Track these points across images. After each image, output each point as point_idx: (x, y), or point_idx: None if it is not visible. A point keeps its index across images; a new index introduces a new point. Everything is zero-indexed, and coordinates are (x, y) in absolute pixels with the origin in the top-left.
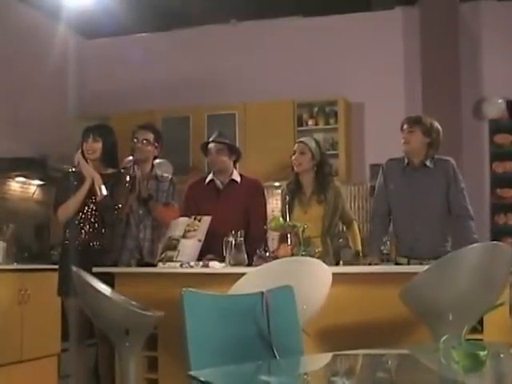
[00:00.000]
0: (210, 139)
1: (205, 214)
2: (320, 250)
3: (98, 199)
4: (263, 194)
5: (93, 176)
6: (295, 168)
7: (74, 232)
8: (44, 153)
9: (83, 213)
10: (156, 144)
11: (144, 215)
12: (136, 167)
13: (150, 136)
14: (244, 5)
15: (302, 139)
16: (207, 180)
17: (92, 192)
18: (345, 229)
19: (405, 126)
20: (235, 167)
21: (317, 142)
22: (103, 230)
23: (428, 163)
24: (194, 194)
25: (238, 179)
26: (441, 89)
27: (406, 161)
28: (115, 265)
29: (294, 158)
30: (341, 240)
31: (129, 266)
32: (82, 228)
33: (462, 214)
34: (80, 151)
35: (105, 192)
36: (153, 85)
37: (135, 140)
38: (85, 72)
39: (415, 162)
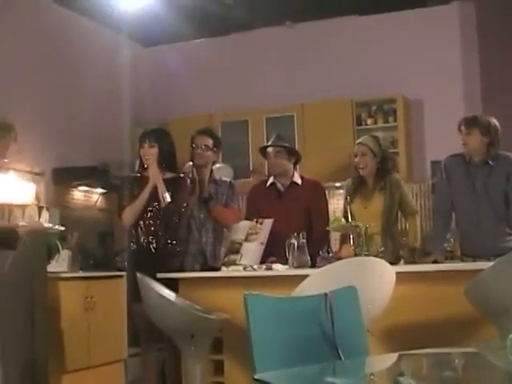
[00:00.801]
0: (269, 143)
1: (266, 217)
2: (383, 249)
3: (161, 205)
4: (325, 195)
5: (157, 181)
6: (360, 171)
7: (139, 238)
8: (104, 161)
9: (148, 218)
10: (215, 149)
11: (205, 219)
12: (195, 171)
13: (209, 141)
14: (299, 6)
15: (360, 140)
16: (268, 183)
17: (156, 197)
18: (404, 222)
19: (462, 128)
20: (295, 169)
21: (375, 139)
22: (167, 236)
23: (490, 161)
24: (255, 196)
25: (299, 181)
26: (500, 84)
27: (467, 158)
28: (180, 269)
29: (356, 160)
30: (404, 239)
31: (193, 270)
32: (147, 234)
33: None
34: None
35: (168, 199)
36: (210, 89)
37: (194, 145)
38: (142, 79)
39: (476, 160)
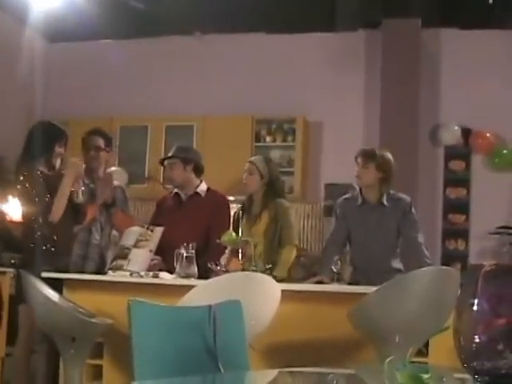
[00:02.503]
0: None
1: (165, 225)
2: (270, 265)
3: (76, 202)
4: (228, 209)
5: (79, 178)
6: (244, 188)
7: (34, 236)
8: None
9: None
10: (107, 149)
11: (105, 223)
12: (94, 175)
13: (101, 142)
14: (209, 18)
15: (251, 159)
16: (173, 193)
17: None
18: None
19: (359, 160)
20: (200, 180)
21: (267, 161)
22: (67, 236)
23: (385, 201)
24: (160, 206)
25: (203, 193)
26: (399, 113)
27: (361, 199)
28: (80, 271)
29: (243, 177)
30: (302, 258)
31: (91, 273)
32: (46, 232)
33: (413, 242)
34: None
35: (82, 197)
36: (112, 92)
37: (86, 148)
38: (48, 75)
39: (371, 200)
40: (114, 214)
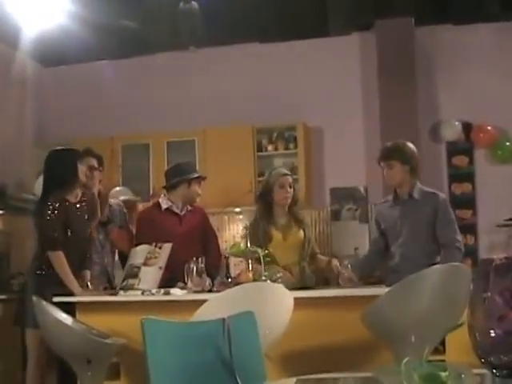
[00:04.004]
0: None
1: (167, 240)
2: (281, 274)
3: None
4: None
5: None
6: (284, 202)
7: (45, 261)
8: (2, 181)
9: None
10: (100, 168)
11: (104, 241)
12: (92, 194)
13: (94, 161)
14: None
15: (286, 172)
16: (164, 207)
17: (73, 219)
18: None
19: (382, 163)
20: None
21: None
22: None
23: (415, 195)
24: (151, 220)
25: (189, 206)
26: (398, 112)
27: (392, 197)
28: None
29: (286, 190)
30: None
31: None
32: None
33: (448, 244)
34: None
35: None
36: (112, 112)
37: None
38: (44, 100)
39: (402, 194)
40: (110, 231)
